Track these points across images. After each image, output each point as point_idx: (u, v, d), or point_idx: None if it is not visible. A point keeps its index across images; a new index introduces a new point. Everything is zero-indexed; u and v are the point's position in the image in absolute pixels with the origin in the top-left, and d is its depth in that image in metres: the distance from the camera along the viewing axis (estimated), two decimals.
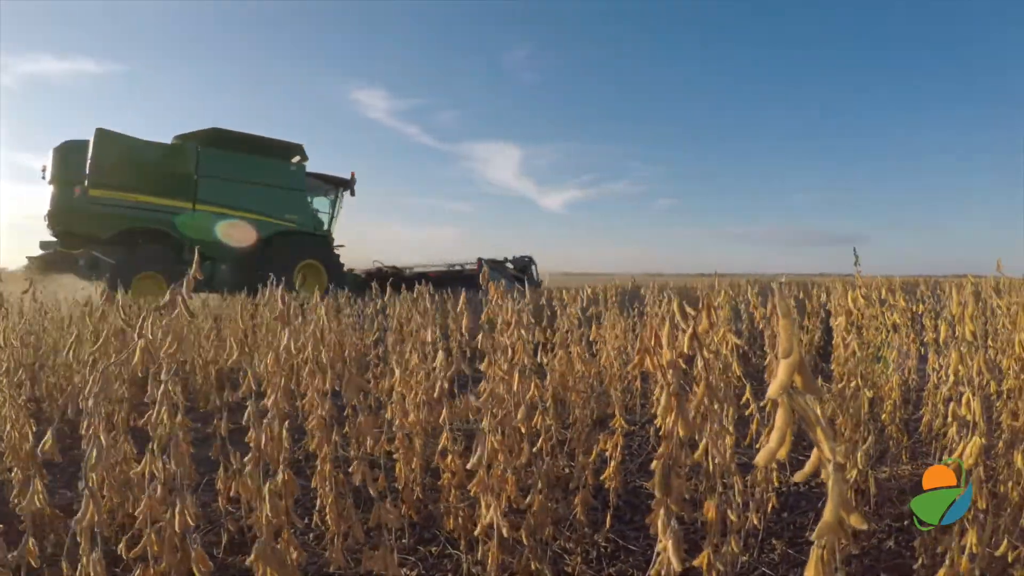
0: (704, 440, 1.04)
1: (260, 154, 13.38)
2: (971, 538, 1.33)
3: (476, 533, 1.66)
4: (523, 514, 1.73)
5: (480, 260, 14.40)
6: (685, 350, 0.97)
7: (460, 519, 1.87)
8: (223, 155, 12.77)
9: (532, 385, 1.64)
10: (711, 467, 1.06)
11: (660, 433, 1.01)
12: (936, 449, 2.45)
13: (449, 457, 1.78)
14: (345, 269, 14.36)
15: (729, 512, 1.56)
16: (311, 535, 2.30)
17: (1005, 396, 2.06)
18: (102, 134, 11.55)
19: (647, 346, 0.99)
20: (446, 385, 1.75)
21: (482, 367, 1.79)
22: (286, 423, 1.53)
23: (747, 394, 1.91)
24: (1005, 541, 1.51)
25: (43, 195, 11.81)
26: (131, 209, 11.67)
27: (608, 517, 2.13)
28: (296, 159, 14.08)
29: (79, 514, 1.15)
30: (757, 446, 1.94)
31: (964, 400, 1.35)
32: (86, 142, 11.52)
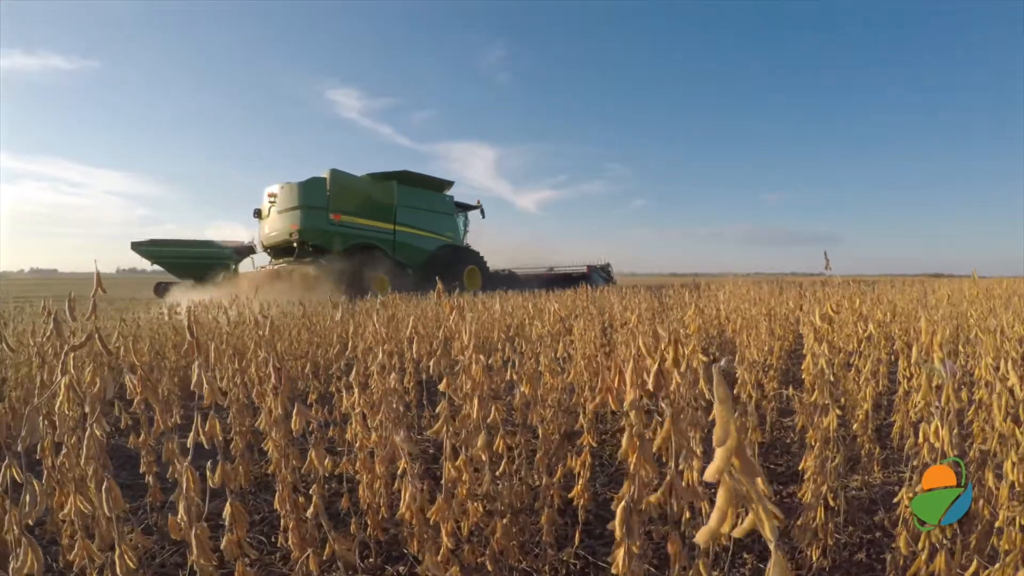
0: (668, 478, 1.00)
1: (430, 188, 18.66)
2: (939, 563, 1.31)
3: (439, 559, 1.62)
4: (488, 538, 1.69)
5: (588, 266, 20.13)
6: (651, 387, 0.93)
7: (424, 541, 1.82)
8: (410, 190, 17.74)
9: (493, 409, 1.59)
10: (675, 505, 1.03)
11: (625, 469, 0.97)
12: (907, 455, 2.45)
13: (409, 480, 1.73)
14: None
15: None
16: (277, 555, 2.24)
17: (976, 405, 2.05)
18: (335, 173, 15.94)
19: (609, 385, 0.95)
20: (400, 408, 1.69)
21: (441, 387, 1.74)
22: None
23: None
24: (975, 562, 1.49)
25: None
26: (356, 229, 16.04)
27: (577, 533, 2.09)
28: (447, 190, 19.43)
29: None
30: None
31: (933, 428, 1.33)
32: (324, 179, 15.69)
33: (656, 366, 0.98)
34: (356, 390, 1.85)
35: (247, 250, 18.81)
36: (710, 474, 0.52)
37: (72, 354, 1.16)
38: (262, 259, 17.89)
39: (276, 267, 15.61)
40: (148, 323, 5.56)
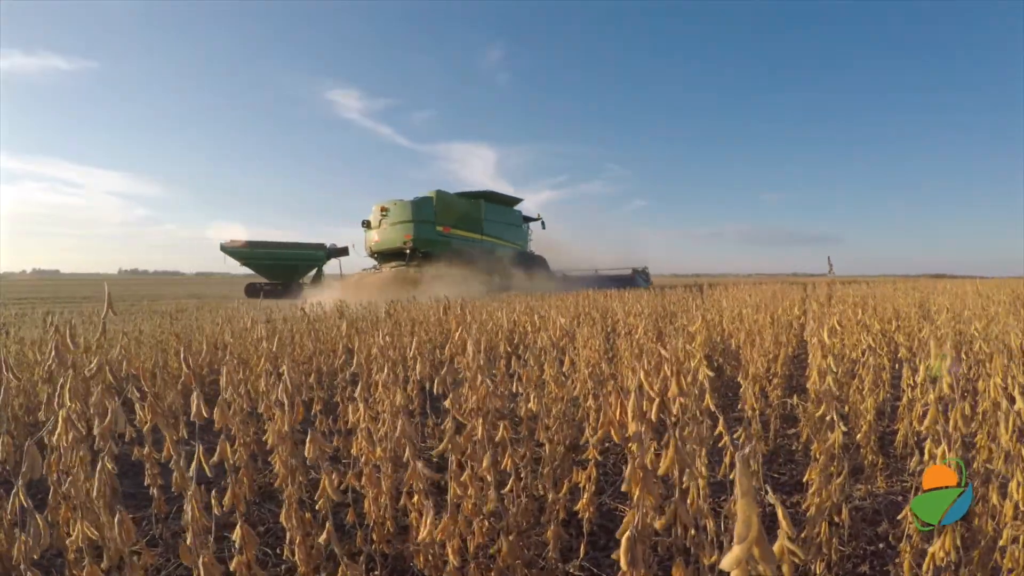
0: (672, 506, 1.01)
1: (506, 204, 22.56)
2: None
3: None
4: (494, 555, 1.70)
5: (633, 269, 24.31)
6: (654, 418, 0.94)
7: (431, 557, 1.82)
8: (493, 206, 21.65)
9: (501, 428, 1.59)
10: (679, 531, 1.03)
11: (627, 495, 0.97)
12: (913, 471, 2.45)
13: (416, 496, 1.73)
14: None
15: (702, 556, 1.53)
16: (282, 567, 2.24)
17: (980, 418, 2.06)
18: (440, 193, 19.41)
19: (611, 418, 0.96)
20: (407, 425, 1.70)
21: (446, 404, 1.75)
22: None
23: (720, 426, 1.88)
24: None
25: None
26: (454, 238, 19.37)
27: (582, 545, 2.10)
28: (517, 206, 23.27)
29: None
30: (731, 475, 1.92)
31: (940, 452, 1.33)
32: (431, 198, 19.11)
33: (658, 400, 0.99)
34: (361, 406, 1.86)
35: (338, 252, 22.49)
36: (728, 564, 0.52)
37: (70, 383, 1.17)
38: (347, 262, 22.55)
39: (400, 268, 19.04)
40: (151, 330, 5.56)
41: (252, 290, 21.01)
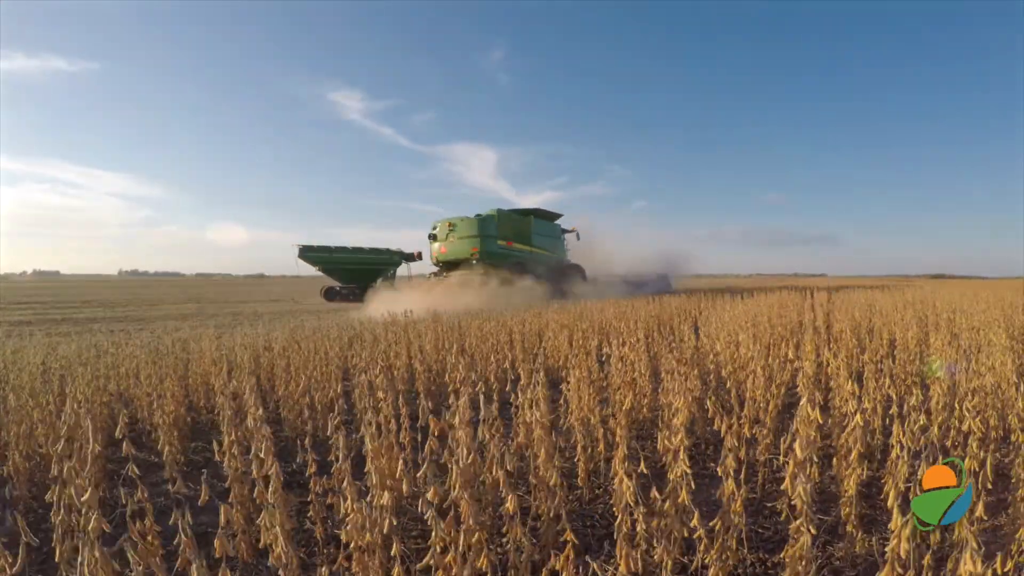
0: None
1: (549, 219, 25.87)
2: None
3: None
4: None
5: (657, 274, 28.75)
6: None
7: None
8: (540, 221, 24.81)
9: (476, 535, 1.63)
10: None
11: None
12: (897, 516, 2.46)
13: None
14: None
15: None
16: None
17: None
18: (500, 211, 22.45)
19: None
20: (394, 521, 1.75)
21: (429, 497, 1.79)
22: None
23: (695, 520, 1.92)
24: None
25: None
26: (512, 251, 22.43)
27: None
28: (557, 221, 26.67)
29: None
30: (706, 561, 1.96)
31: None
32: (493, 215, 22.05)
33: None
34: (350, 499, 1.90)
35: (411, 257, 24.47)
36: None
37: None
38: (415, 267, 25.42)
39: (468, 275, 21.49)
40: (148, 356, 5.59)
41: (330, 293, 23.19)
